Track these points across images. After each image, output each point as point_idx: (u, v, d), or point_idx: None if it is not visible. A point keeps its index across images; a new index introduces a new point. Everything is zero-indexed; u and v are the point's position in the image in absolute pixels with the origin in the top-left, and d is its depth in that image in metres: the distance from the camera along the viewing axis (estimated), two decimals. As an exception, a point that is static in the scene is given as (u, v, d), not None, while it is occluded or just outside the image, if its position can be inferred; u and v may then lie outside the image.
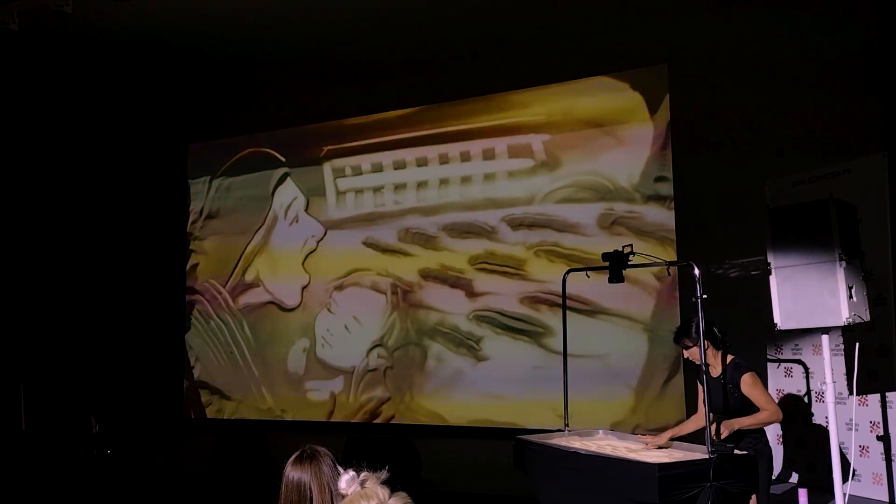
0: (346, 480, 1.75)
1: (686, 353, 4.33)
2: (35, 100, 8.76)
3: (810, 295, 4.09)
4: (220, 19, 7.21)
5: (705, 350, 3.97)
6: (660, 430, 5.19)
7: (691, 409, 5.99)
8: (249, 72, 8.64)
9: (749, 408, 4.18)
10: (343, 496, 1.72)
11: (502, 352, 7.65)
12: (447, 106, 8.18)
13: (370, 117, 8.61)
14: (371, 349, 8.36)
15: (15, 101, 8.49)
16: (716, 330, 4.24)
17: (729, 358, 4.29)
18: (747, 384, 4.17)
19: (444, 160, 8.15)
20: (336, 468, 2.23)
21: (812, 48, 6.40)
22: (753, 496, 3.93)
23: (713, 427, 3.97)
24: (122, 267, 9.48)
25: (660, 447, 4.24)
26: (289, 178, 9.12)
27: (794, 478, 5.78)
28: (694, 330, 4.18)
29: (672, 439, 4.30)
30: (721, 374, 4.27)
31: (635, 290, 6.98)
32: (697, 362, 4.24)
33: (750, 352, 5.29)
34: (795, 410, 5.75)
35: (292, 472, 2.28)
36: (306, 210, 8.96)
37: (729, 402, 4.20)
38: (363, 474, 1.75)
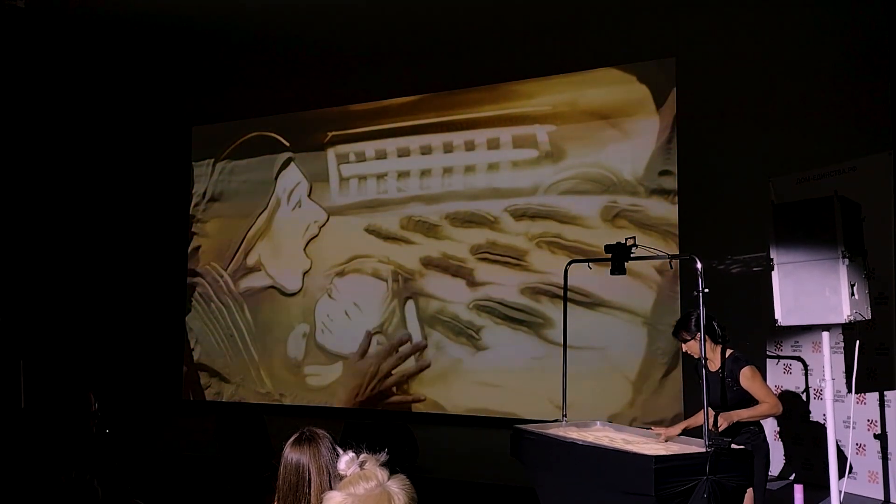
0: (346, 461, 1.76)
1: (684, 347, 4.32)
2: (39, 80, 8.73)
3: (812, 291, 4.09)
4: (226, 1, 7.18)
5: (704, 344, 3.97)
6: (656, 424, 5.21)
7: (689, 404, 6.01)
8: (255, 55, 8.62)
9: (747, 402, 4.17)
10: (342, 477, 1.72)
11: (502, 342, 7.66)
12: (453, 94, 8.16)
13: (375, 104, 8.58)
14: (371, 336, 8.37)
15: (18, 80, 8.46)
16: (715, 324, 4.23)
17: (728, 352, 4.29)
18: (746, 377, 4.16)
19: (448, 149, 8.13)
20: (335, 450, 2.24)
21: (820, 45, 6.38)
22: (749, 491, 3.93)
23: (711, 419, 3.96)
24: (124, 248, 9.49)
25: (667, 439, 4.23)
26: (292, 163, 9.11)
27: (792, 475, 5.80)
28: (693, 323, 4.17)
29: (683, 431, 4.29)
30: (720, 368, 4.26)
31: (636, 283, 6.98)
32: (695, 356, 4.23)
33: (750, 347, 5.30)
34: (793, 407, 5.76)
35: (291, 454, 2.28)
36: (309, 195, 8.95)
37: (727, 396, 4.20)
38: (362, 456, 1.75)
